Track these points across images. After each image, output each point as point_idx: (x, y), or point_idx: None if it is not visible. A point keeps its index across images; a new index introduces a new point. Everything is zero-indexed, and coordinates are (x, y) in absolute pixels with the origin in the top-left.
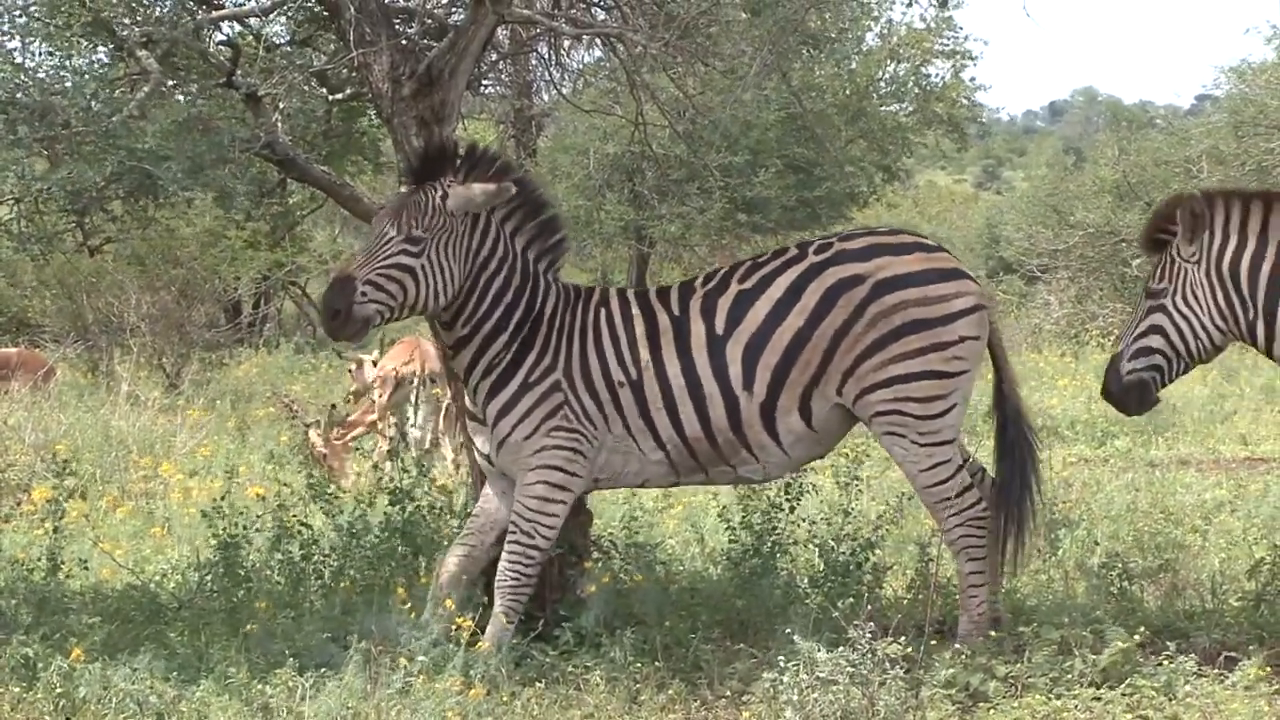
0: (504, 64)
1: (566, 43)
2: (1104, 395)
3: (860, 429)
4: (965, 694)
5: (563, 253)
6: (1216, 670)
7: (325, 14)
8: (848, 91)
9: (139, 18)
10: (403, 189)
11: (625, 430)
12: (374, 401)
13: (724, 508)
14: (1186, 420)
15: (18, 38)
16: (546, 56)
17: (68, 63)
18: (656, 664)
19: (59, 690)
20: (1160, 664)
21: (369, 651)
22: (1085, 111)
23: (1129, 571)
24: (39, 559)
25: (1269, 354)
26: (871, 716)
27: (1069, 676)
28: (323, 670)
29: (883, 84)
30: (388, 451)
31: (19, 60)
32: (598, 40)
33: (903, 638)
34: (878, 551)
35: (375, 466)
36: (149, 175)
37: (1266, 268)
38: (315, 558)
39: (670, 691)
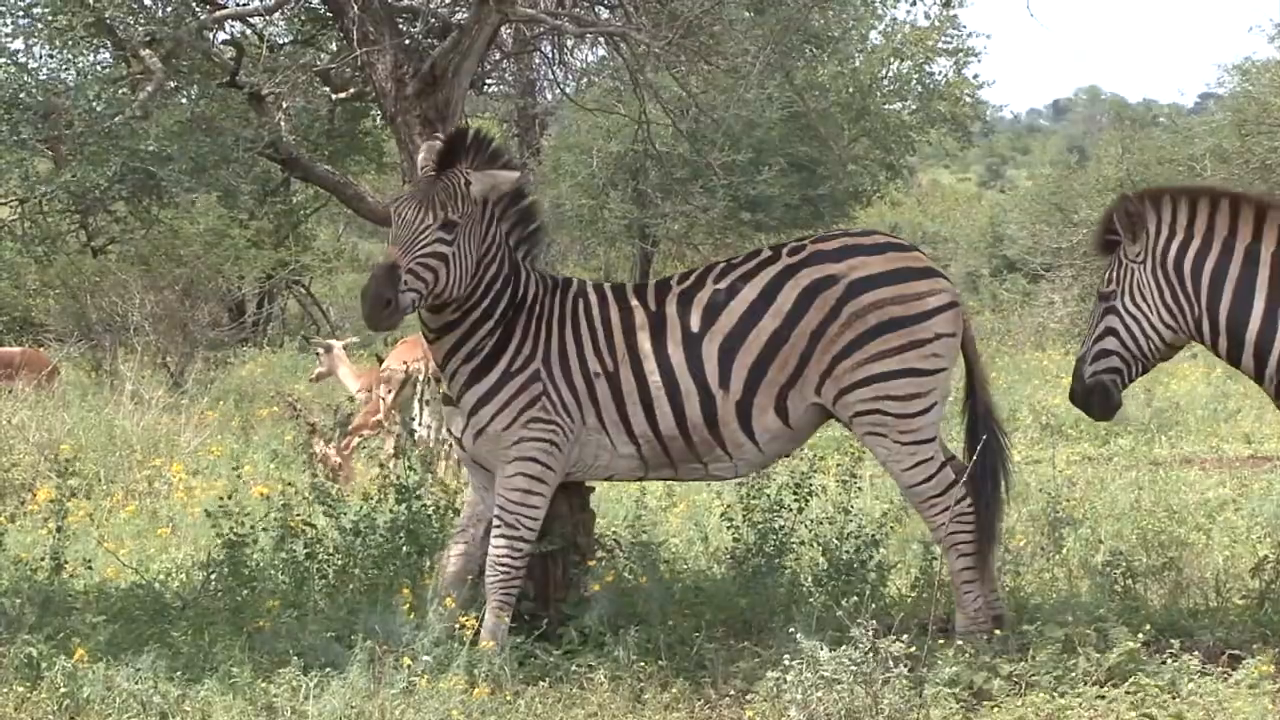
0: (508, 63)
1: (570, 41)
2: (1070, 399)
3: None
4: (969, 692)
5: (540, 241)
6: (1221, 668)
7: (328, 13)
8: (851, 90)
9: (142, 18)
10: (406, 187)
11: (598, 422)
12: (379, 401)
13: (728, 507)
14: (1190, 419)
15: (21, 38)
16: (550, 55)
17: (71, 63)
18: (660, 663)
19: (63, 690)
20: (1164, 662)
21: (373, 651)
22: (1089, 110)
23: (1133, 570)
24: (43, 559)
25: (1215, 351)
26: (875, 715)
27: (1073, 675)
28: (327, 670)
29: (886, 82)
30: (394, 450)
31: (22, 61)
32: (601, 39)
33: (906, 636)
34: (881, 550)
35: (382, 466)
36: (152, 175)
37: (1210, 265)
38: (320, 557)
39: (674, 690)
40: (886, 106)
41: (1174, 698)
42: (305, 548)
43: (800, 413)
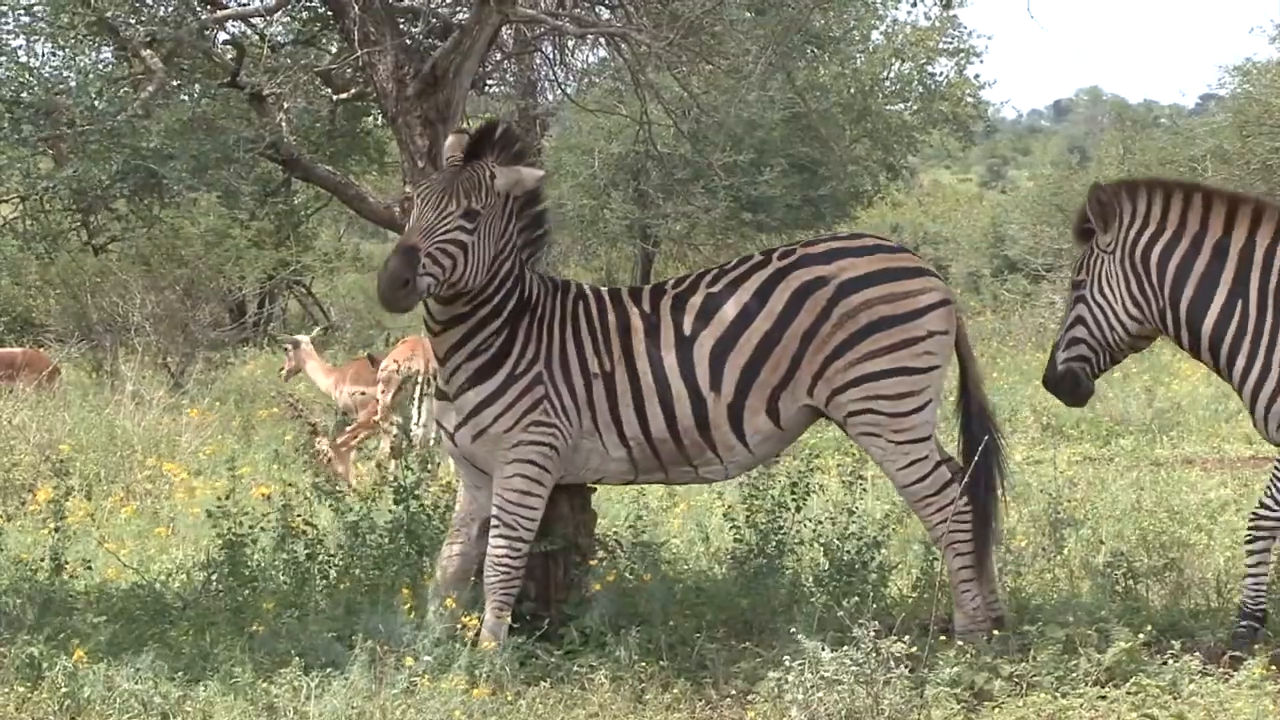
0: (508, 63)
1: (571, 42)
2: (1043, 384)
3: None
4: (970, 693)
5: (544, 246)
6: (1221, 669)
7: (329, 13)
8: (852, 90)
9: (143, 17)
10: (407, 188)
11: (592, 424)
12: (377, 401)
13: (729, 507)
14: (1191, 419)
15: (22, 37)
16: (551, 56)
17: (72, 62)
18: (661, 663)
19: (64, 690)
20: (1165, 663)
21: (374, 651)
22: (1090, 110)
23: (1134, 570)
24: (43, 559)
25: (1178, 343)
26: (876, 715)
27: (1074, 675)
28: (328, 670)
29: (887, 83)
30: (391, 450)
31: (24, 60)
32: (602, 39)
33: (907, 636)
34: (883, 551)
35: (379, 465)
36: (154, 174)
37: (1177, 258)
38: (320, 557)
39: (675, 691)
40: (888, 107)
41: (1175, 698)
42: (306, 548)
43: (791, 414)
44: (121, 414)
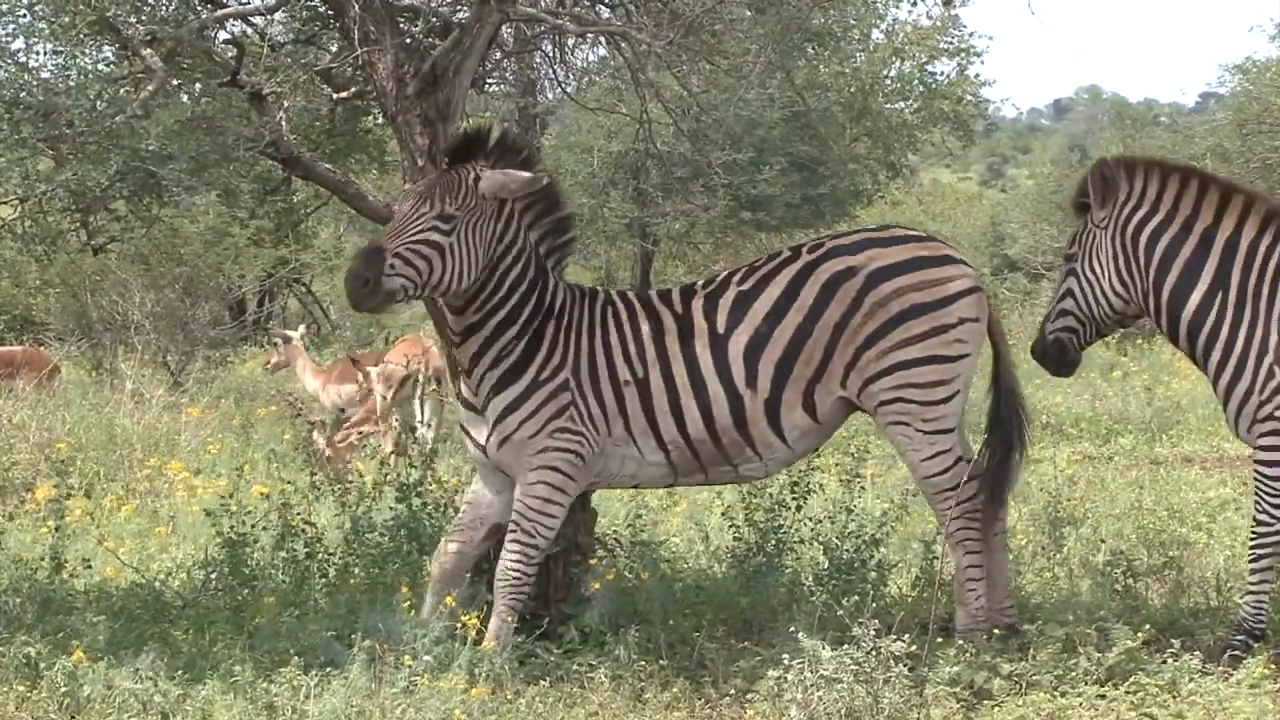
0: (508, 62)
1: (571, 41)
2: (1030, 353)
3: (864, 425)
4: (970, 692)
5: (570, 252)
6: (1221, 668)
7: (329, 12)
8: (852, 89)
9: (143, 17)
10: (407, 187)
11: (626, 432)
12: (379, 399)
13: (728, 506)
14: (1191, 418)
15: (22, 37)
16: (551, 54)
17: (72, 62)
18: (661, 662)
19: (63, 689)
20: (1165, 662)
21: (374, 650)
22: (1090, 109)
23: (1134, 569)
24: (43, 558)
25: (1159, 326)
26: (876, 714)
27: (1074, 674)
28: (327, 669)
29: (888, 81)
30: (393, 449)
31: (23, 60)
32: (602, 38)
33: (907, 635)
34: (882, 549)
35: (381, 464)
36: (153, 174)
37: (1165, 241)
38: (320, 556)
39: (675, 690)
40: (888, 106)
41: (1174, 697)
42: (305, 547)
43: (827, 407)
44: (121, 412)
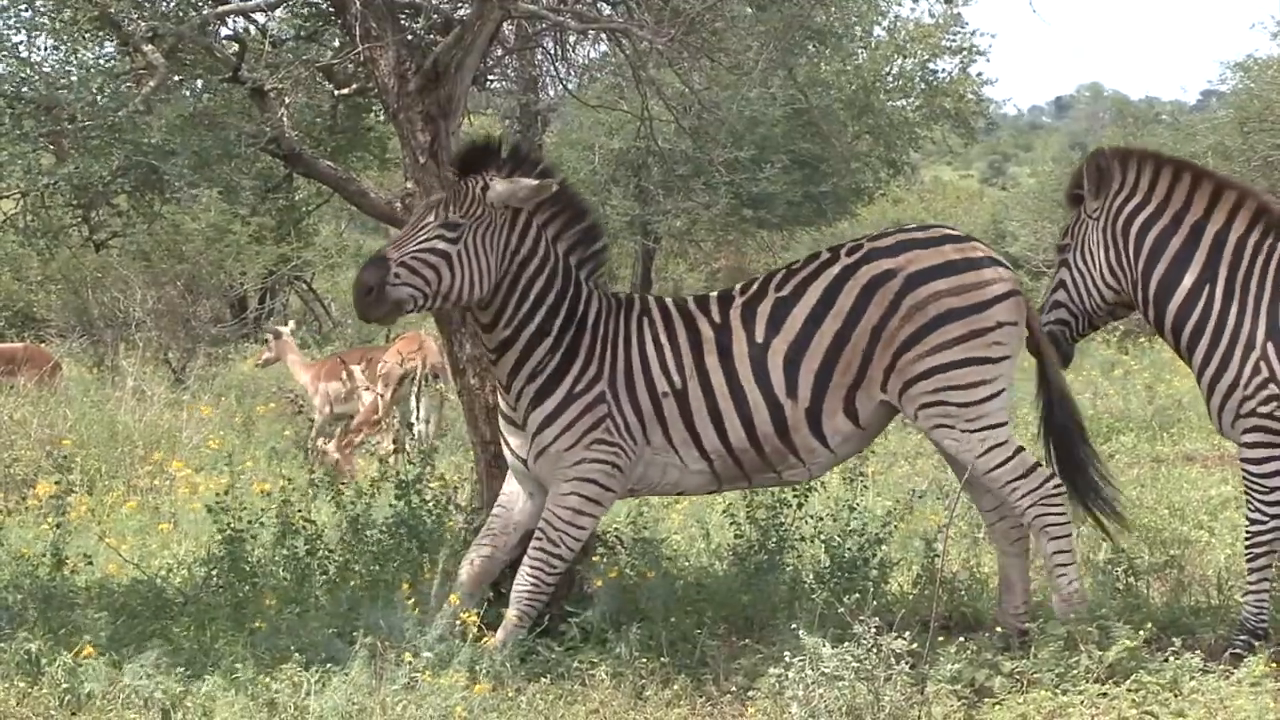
0: (510, 59)
1: (572, 38)
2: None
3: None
4: (971, 689)
5: (604, 260)
6: (1222, 666)
7: (331, 9)
8: (854, 87)
9: (145, 13)
10: (408, 184)
11: (666, 441)
12: (380, 398)
13: (730, 504)
14: (1192, 416)
15: (24, 32)
16: (552, 51)
17: (74, 57)
18: (662, 659)
19: (64, 685)
20: (1166, 660)
21: (375, 647)
22: (1091, 107)
23: (1135, 567)
24: (44, 554)
25: (1146, 318)
26: (877, 712)
27: (1075, 672)
28: (328, 665)
29: (889, 79)
30: (393, 447)
31: (25, 55)
32: (603, 35)
33: (908, 633)
34: (883, 547)
35: (381, 461)
36: (155, 170)
37: (1155, 233)
38: (320, 553)
39: (676, 687)
40: (890, 103)
41: (1176, 695)
42: (306, 544)
43: (870, 411)
44: (122, 409)
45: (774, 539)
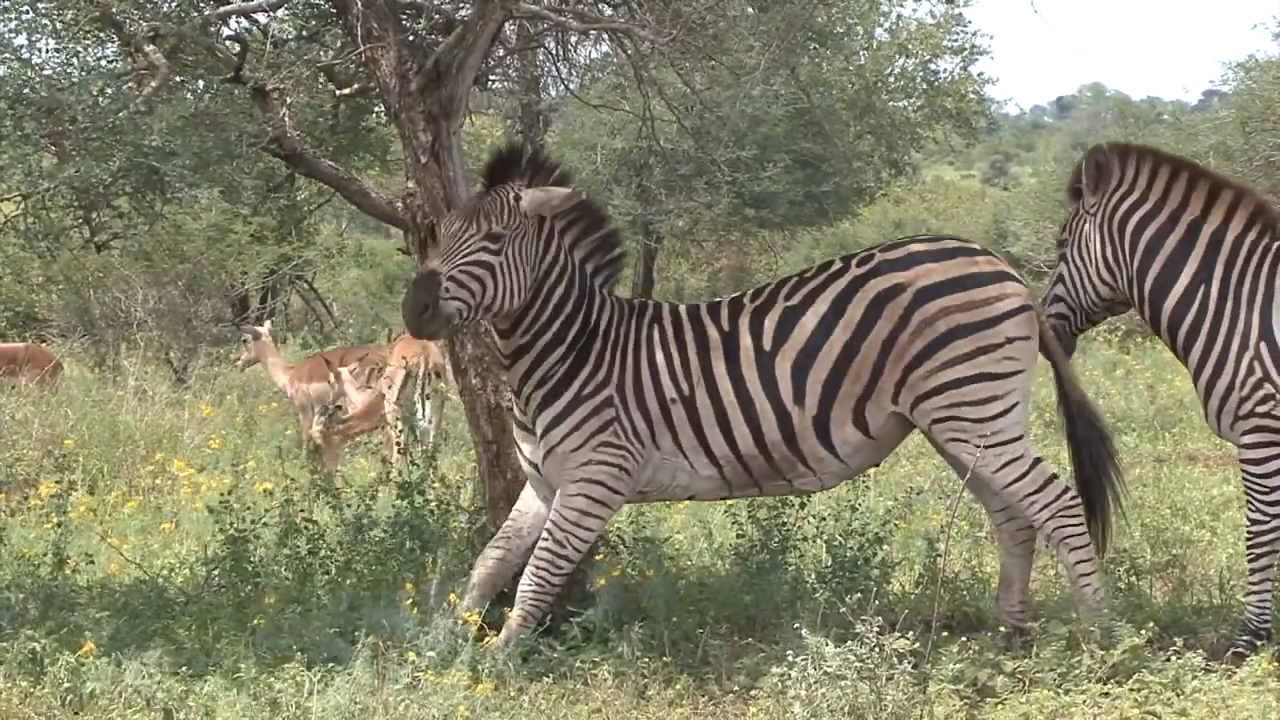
0: (511, 59)
1: (574, 38)
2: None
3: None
4: (973, 689)
5: (620, 268)
6: (1224, 665)
7: (333, 9)
8: (856, 87)
9: (146, 13)
10: (410, 184)
11: (675, 446)
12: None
13: (731, 504)
14: (1194, 416)
15: (24, 33)
16: (554, 51)
17: (75, 59)
18: (664, 659)
19: (66, 685)
20: (1168, 659)
21: (377, 646)
22: (1093, 107)
23: (1137, 567)
24: (46, 554)
25: (1142, 316)
26: (879, 711)
27: (1077, 672)
28: (330, 665)
29: (891, 79)
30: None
31: (26, 56)
32: (605, 35)
33: (910, 633)
34: (885, 547)
35: (384, 461)
36: (156, 171)
37: (1151, 230)
38: (322, 553)
39: (678, 686)
40: (892, 103)
41: (1178, 695)
42: (308, 543)
43: (881, 423)
44: (124, 409)
45: (776, 539)
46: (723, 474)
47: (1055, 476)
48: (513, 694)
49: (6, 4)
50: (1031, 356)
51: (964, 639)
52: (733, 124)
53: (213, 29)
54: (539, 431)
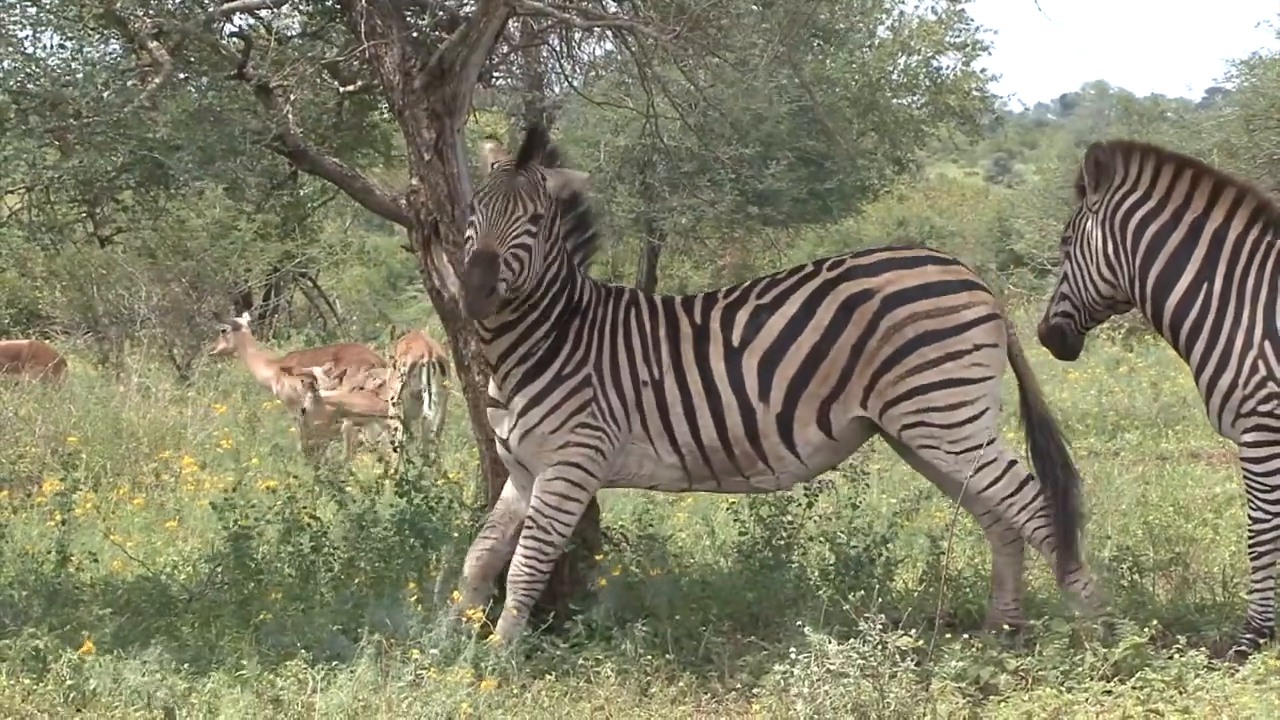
0: (515, 56)
1: (578, 35)
2: (1037, 338)
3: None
4: (976, 687)
5: (596, 248)
6: (1227, 663)
7: (337, 6)
8: (859, 84)
9: (150, 9)
10: (413, 181)
11: (644, 431)
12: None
13: (735, 502)
14: (1197, 413)
15: (29, 28)
16: (558, 48)
17: (79, 54)
18: (667, 657)
19: (69, 682)
20: (1171, 657)
21: (380, 644)
22: (1097, 104)
23: (1140, 565)
24: (49, 551)
25: (1144, 313)
26: (882, 709)
27: (1080, 670)
28: (334, 662)
29: (894, 76)
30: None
31: (30, 51)
32: (609, 32)
33: (913, 631)
34: (888, 545)
35: (382, 459)
36: (160, 165)
37: (1154, 228)
38: (325, 550)
39: (681, 684)
40: (895, 101)
41: (1181, 693)
42: (311, 541)
43: (844, 425)
44: (127, 406)
45: (779, 537)
46: (684, 463)
47: (1031, 478)
48: (516, 691)
49: (10, 0)
50: (1000, 364)
51: (967, 637)
52: (736, 121)
53: (216, 25)
54: (516, 410)
